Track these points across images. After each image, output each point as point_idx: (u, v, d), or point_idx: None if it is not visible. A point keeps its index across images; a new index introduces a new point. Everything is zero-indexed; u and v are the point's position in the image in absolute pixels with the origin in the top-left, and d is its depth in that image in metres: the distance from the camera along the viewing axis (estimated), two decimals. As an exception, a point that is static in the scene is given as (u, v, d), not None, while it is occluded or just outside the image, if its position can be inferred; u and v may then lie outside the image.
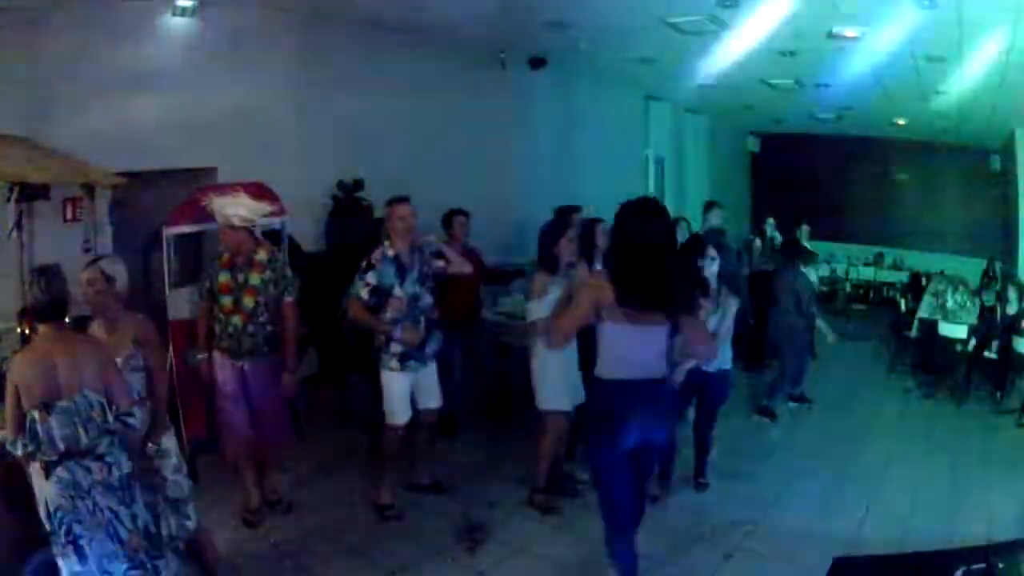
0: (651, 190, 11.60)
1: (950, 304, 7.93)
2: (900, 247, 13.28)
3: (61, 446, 2.72)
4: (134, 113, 5.06)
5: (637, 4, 6.03)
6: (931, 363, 7.50)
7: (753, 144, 15.57)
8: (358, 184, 6.23)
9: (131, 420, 2.86)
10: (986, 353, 7.27)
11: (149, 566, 2.90)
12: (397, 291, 4.24)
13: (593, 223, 4.93)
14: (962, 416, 6.57)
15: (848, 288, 12.71)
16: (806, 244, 8.00)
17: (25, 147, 4.24)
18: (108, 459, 2.81)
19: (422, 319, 4.31)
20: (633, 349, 3.11)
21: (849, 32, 6.31)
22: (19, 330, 4.02)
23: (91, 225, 4.81)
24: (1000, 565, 2.17)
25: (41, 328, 2.88)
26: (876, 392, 7.33)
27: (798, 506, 4.65)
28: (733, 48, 7.18)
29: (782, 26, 6.31)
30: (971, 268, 10.06)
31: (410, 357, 4.28)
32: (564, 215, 5.60)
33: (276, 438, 4.37)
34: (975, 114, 9.49)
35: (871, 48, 6.77)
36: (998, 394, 6.83)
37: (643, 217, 3.11)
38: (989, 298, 7.80)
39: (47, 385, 2.74)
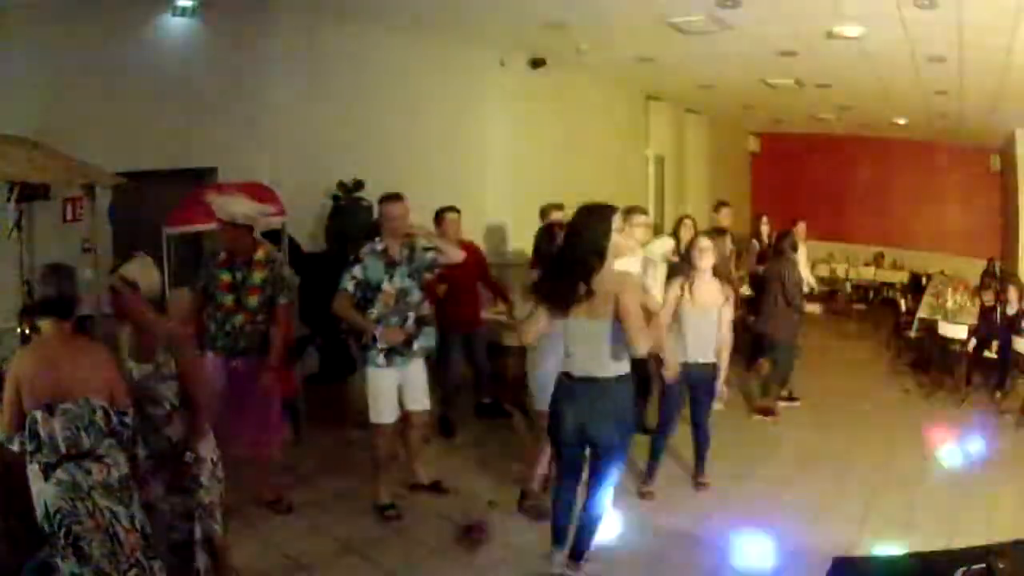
0: (651, 190, 11.62)
1: (950, 304, 7.94)
2: (900, 247, 13.29)
3: (62, 448, 2.72)
4: (134, 113, 5.06)
5: (637, 4, 6.02)
6: (931, 363, 7.50)
7: (753, 144, 15.58)
8: (358, 184, 6.23)
9: (127, 419, 2.84)
10: (986, 353, 7.27)
11: (146, 566, 2.89)
12: (386, 286, 4.20)
13: None
14: (962, 416, 6.57)
15: (848, 288, 12.71)
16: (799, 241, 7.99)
17: (25, 147, 4.24)
18: (107, 460, 2.80)
19: (410, 315, 4.29)
20: (568, 346, 3.42)
21: (849, 32, 6.30)
22: (19, 330, 4.02)
23: (91, 225, 4.81)
24: (1000, 565, 2.16)
25: (44, 324, 2.86)
26: (876, 392, 7.33)
27: (798, 506, 4.65)
28: (733, 48, 7.19)
29: (782, 26, 6.31)
30: (971, 268, 10.07)
31: (397, 354, 4.25)
32: (544, 213, 5.62)
33: (269, 437, 4.32)
34: (975, 114, 9.49)
35: (871, 48, 6.77)
36: (998, 394, 6.83)
37: (577, 223, 3.43)
38: (989, 298, 7.80)
39: (51, 385, 2.72)
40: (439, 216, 5.58)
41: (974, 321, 7.46)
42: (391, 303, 4.22)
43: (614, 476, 3.58)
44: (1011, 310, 7.22)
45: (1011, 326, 7.06)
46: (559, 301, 3.37)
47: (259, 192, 5.35)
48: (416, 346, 4.35)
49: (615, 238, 3.40)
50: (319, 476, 4.92)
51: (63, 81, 4.74)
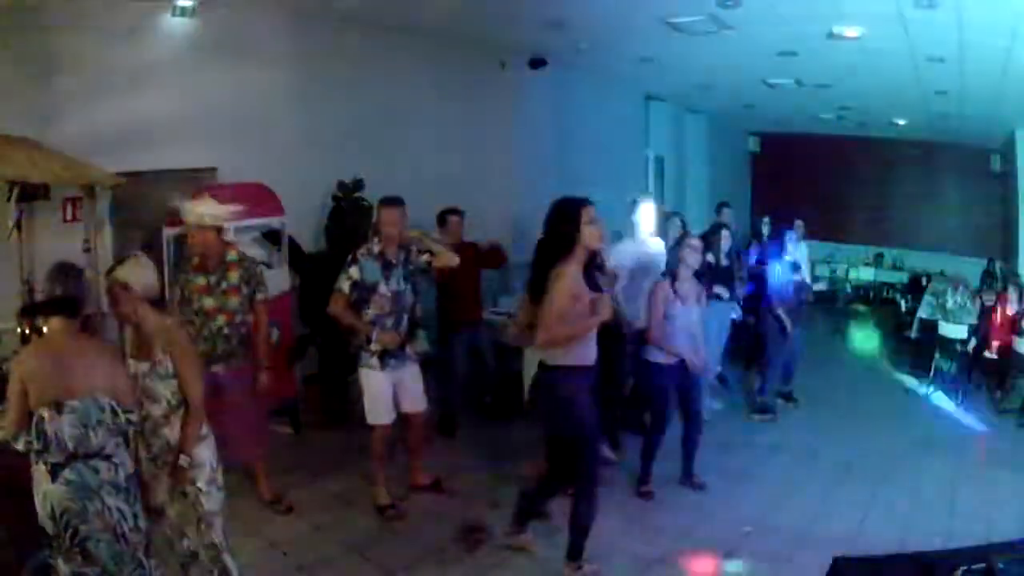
0: (651, 190, 11.61)
1: (950, 304, 7.93)
2: (900, 247, 13.28)
3: (70, 446, 2.71)
4: (134, 113, 5.06)
5: (637, 4, 6.02)
6: (931, 363, 7.50)
7: (753, 144, 15.58)
8: (358, 184, 6.23)
9: (132, 417, 2.84)
10: (986, 353, 7.27)
11: (146, 565, 2.89)
12: (382, 288, 4.22)
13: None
14: (962, 416, 6.57)
15: (848, 288, 12.71)
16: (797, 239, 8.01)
17: (25, 147, 4.24)
18: (115, 459, 2.80)
19: (404, 318, 4.30)
20: None
21: (849, 32, 6.30)
22: (19, 330, 4.02)
23: (91, 225, 4.81)
24: (1000, 565, 2.16)
25: (51, 323, 2.86)
26: (876, 392, 7.33)
27: (798, 506, 4.65)
28: (733, 48, 7.19)
29: (782, 26, 6.31)
30: (971, 268, 10.07)
31: (391, 356, 4.26)
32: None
33: (256, 439, 4.32)
34: (975, 114, 9.48)
35: (871, 48, 6.77)
36: (998, 394, 6.83)
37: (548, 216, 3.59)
38: (989, 298, 7.80)
39: (58, 383, 2.71)
40: (442, 217, 5.61)
41: (974, 321, 7.46)
42: (386, 305, 4.23)
43: (588, 472, 3.65)
44: (1011, 310, 7.22)
45: (1011, 326, 7.06)
46: (531, 293, 3.60)
47: (259, 192, 5.37)
48: (409, 349, 4.36)
49: (589, 232, 3.47)
50: (319, 476, 4.92)
51: (63, 81, 4.74)
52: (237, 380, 4.10)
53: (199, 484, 3.07)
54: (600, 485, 3.77)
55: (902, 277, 12.21)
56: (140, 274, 2.99)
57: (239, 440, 4.05)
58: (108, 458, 2.78)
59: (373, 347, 4.23)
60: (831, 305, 11.63)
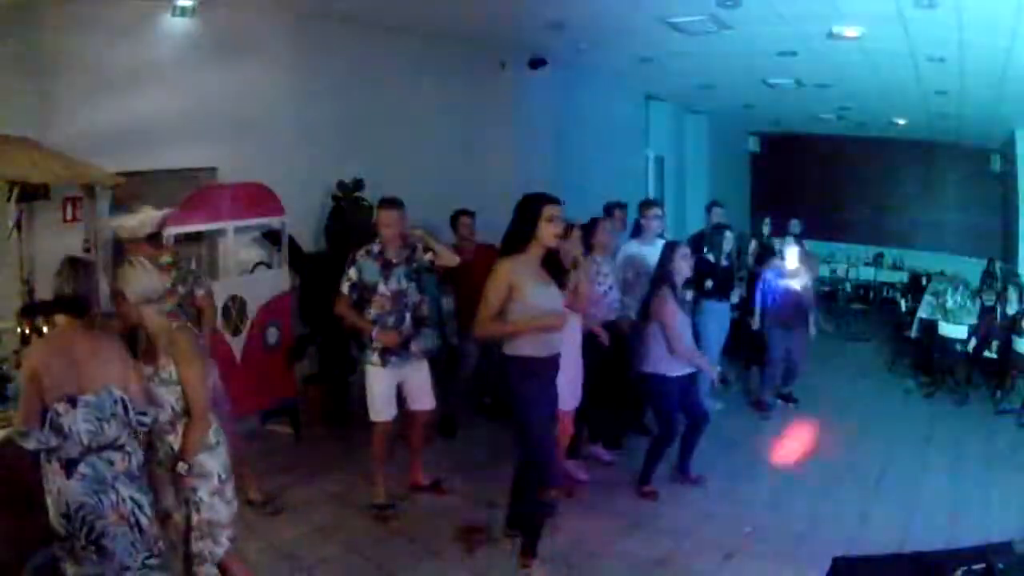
0: (651, 190, 11.62)
1: (950, 304, 7.93)
2: (900, 247, 13.28)
3: (84, 440, 2.71)
4: (134, 113, 5.06)
5: (637, 4, 6.02)
6: (931, 363, 7.50)
7: (753, 144, 15.58)
8: (358, 184, 6.23)
9: (144, 419, 2.83)
10: (986, 353, 7.27)
11: (161, 555, 2.89)
12: (381, 288, 4.26)
13: (595, 220, 5.03)
14: (962, 416, 6.57)
15: (848, 288, 12.70)
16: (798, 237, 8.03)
17: (25, 147, 4.23)
18: (128, 448, 2.80)
19: (407, 316, 4.32)
20: None
21: (849, 32, 6.30)
22: (19, 330, 4.02)
23: (91, 225, 4.81)
24: (1000, 565, 2.16)
25: (57, 319, 2.86)
26: (876, 392, 7.33)
27: (798, 506, 4.65)
28: (733, 48, 7.18)
29: (782, 26, 6.31)
30: (971, 268, 10.07)
31: (393, 354, 4.28)
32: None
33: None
34: (975, 114, 9.48)
35: (871, 48, 6.77)
36: (998, 394, 6.83)
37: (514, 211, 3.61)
38: (989, 298, 7.80)
39: (72, 378, 2.71)
40: (454, 218, 5.75)
41: (974, 321, 7.45)
42: (386, 305, 4.26)
43: (532, 469, 3.66)
44: (1011, 310, 7.22)
45: (1011, 326, 7.05)
46: None
47: (259, 192, 5.37)
48: (414, 347, 4.37)
49: (546, 229, 3.49)
50: (319, 476, 4.92)
51: (63, 81, 4.74)
52: None
53: (200, 494, 2.98)
54: (548, 484, 3.71)
55: (902, 277, 12.19)
56: (133, 280, 2.92)
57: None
58: (121, 448, 2.78)
59: (375, 345, 4.26)
60: (831, 305, 11.62)
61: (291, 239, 5.68)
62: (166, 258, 4.12)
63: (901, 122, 11.40)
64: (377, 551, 4.02)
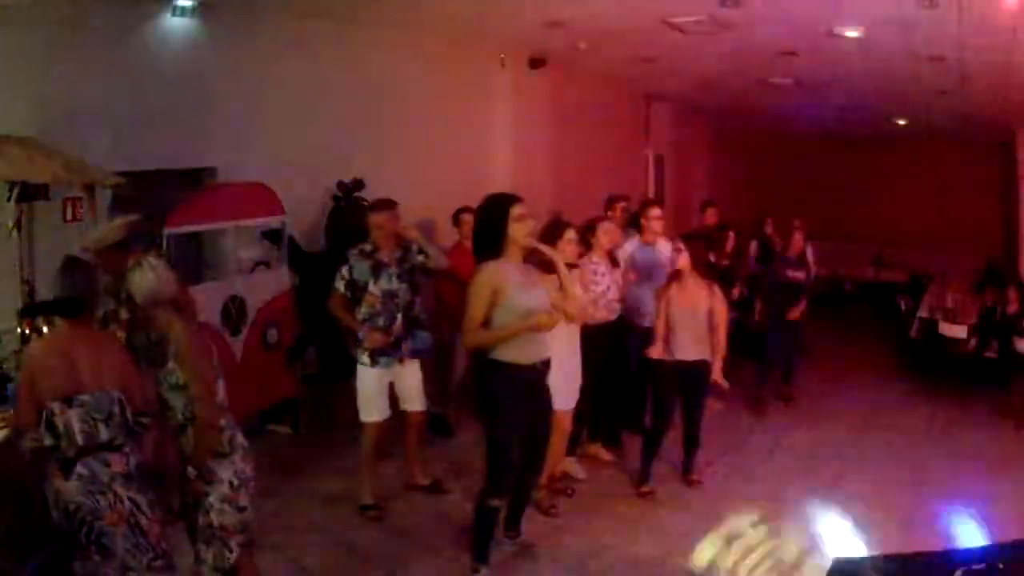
0: (651, 189, 11.62)
1: (950, 304, 7.93)
2: (900, 247, 13.27)
3: (79, 440, 2.70)
4: (134, 113, 5.06)
5: (637, 4, 6.02)
6: (931, 363, 7.50)
7: (750, 142, 15.56)
8: (358, 184, 6.23)
9: (145, 420, 2.80)
10: (986, 353, 7.27)
11: (171, 556, 2.89)
12: (371, 287, 4.27)
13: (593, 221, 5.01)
14: (962, 416, 6.57)
15: (848, 288, 12.70)
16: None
17: (25, 147, 4.23)
18: (125, 448, 2.79)
19: (399, 317, 4.31)
20: None
21: (849, 32, 6.30)
22: (19, 330, 4.02)
23: (91, 225, 4.80)
24: (1000, 565, 2.16)
25: (55, 321, 2.86)
26: (876, 392, 7.32)
27: (798, 506, 4.65)
28: (733, 48, 7.18)
29: (782, 26, 6.30)
30: (971, 268, 10.05)
31: (382, 354, 4.29)
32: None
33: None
34: (976, 114, 9.48)
35: (871, 48, 6.76)
36: (999, 394, 6.83)
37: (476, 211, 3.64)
38: (989, 298, 7.80)
39: (68, 378, 2.70)
40: (456, 216, 5.75)
41: (974, 321, 7.45)
42: (376, 305, 4.27)
43: (491, 478, 3.59)
44: (1011, 310, 7.22)
45: (1011, 326, 7.05)
46: None
47: (259, 192, 5.37)
48: (405, 348, 4.36)
49: (517, 229, 3.43)
50: (319, 476, 4.92)
51: (63, 81, 4.73)
52: None
53: (211, 499, 2.95)
54: (502, 496, 3.64)
55: (902, 277, 12.19)
56: (141, 282, 2.92)
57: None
58: (119, 448, 2.77)
59: (365, 345, 4.28)
60: (831, 305, 11.62)
61: (291, 239, 5.68)
62: (130, 263, 4.11)
63: (901, 122, 11.40)
64: (376, 551, 4.02)
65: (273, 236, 5.59)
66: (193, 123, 5.46)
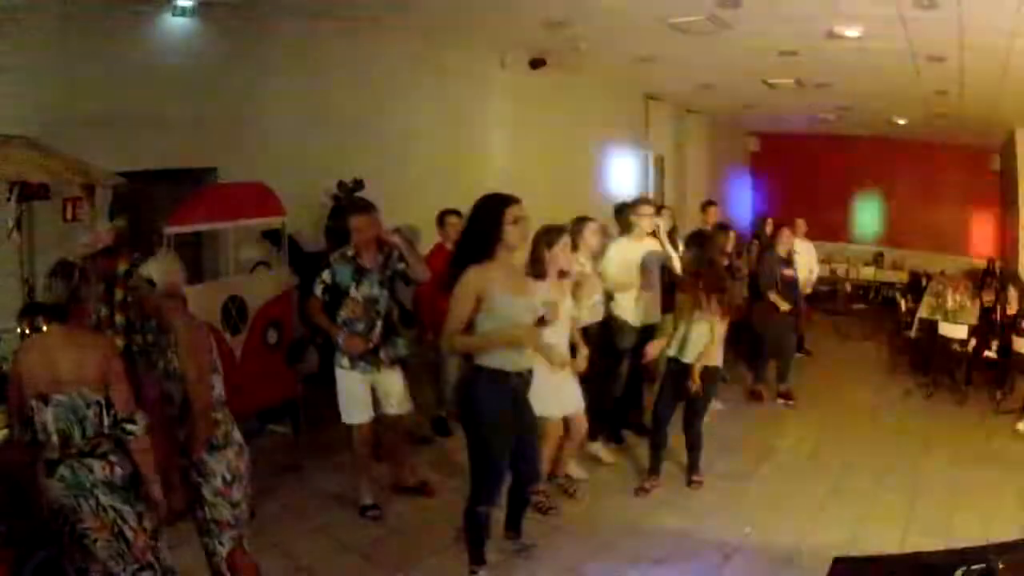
0: (651, 189, 11.62)
1: (950, 304, 7.93)
2: (900, 247, 13.28)
3: (54, 439, 2.71)
4: (134, 113, 5.06)
5: (637, 4, 6.02)
6: (931, 363, 7.50)
7: (753, 144, 15.59)
8: (358, 184, 6.23)
9: (130, 427, 2.77)
10: (986, 353, 7.27)
11: (158, 568, 2.86)
12: (353, 292, 4.25)
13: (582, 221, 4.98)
14: (962, 416, 6.57)
15: (848, 288, 12.71)
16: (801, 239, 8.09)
17: (25, 147, 4.23)
18: (112, 457, 2.78)
19: (379, 323, 4.30)
20: None
21: (849, 32, 6.30)
22: (19, 330, 4.01)
23: (91, 225, 4.80)
24: (1000, 565, 2.16)
25: (47, 325, 2.88)
26: (876, 392, 7.32)
27: (798, 506, 4.65)
28: (733, 48, 7.18)
29: (782, 26, 6.30)
30: (971, 268, 10.06)
31: (360, 359, 4.28)
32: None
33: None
34: (975, 114, 9.48)
35: (871, 48, 6.76)
36: (998, 394, 6.83)
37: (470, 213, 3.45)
38: (989, 298, 7.80)
39: (47, 377, 2.73)
40: (441, 218, 5.62)
41: (974, 321, 7.45)
42: (357, 310, 4.26)
43: (476, 486, 3.56)
44: (1011, 310, 7.22)
45: (1011, 326, 7.05)
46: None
47: (259, 192, 5.37)
48: (383, 354, 4.35)
49: (510, 232, 3.30)
50: (319, 476, 4.92)
51: (63, 81, 4.74)
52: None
53: (204, 491, 3.00)
54: (489, 504, 3.60)
55: (902, 277, 12.21)
56: (163, 270, 3.04)
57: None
58: (103, 456, 2.76)
59: (344, 350, 4.28)
60: (831, 305, 11.62)
61: (291, 239, 5.67)
62: (122, 268, 4.12)
63: (901, 122, 11.40)
64: (376, 551, 4.02)
65: (273, 236, 5.59)
66: (193, 123, 5.46)
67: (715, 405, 6.02)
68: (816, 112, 11.27)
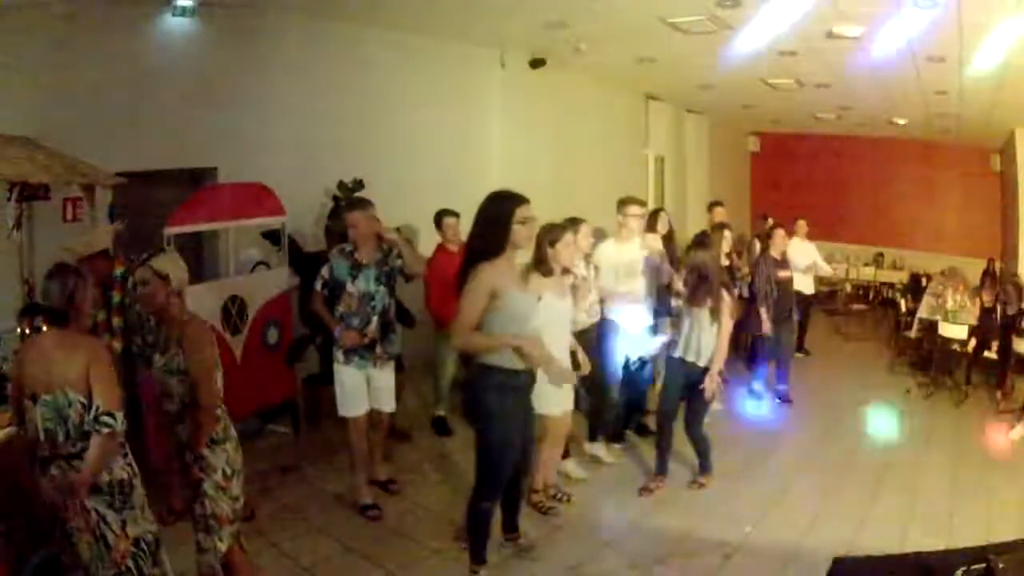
0: (651, 190, 11.61)
1: (950, 304, 7.94)
2: (900, 247, 13.28)
3: (42, 437, 2.74)
4: (134, 113, 5.06)
5: (637, 4, 6.02)
6: (931, 363, 7.51)
7: (753, 144, 15.59)
8: (358, 184, 6.23)
9: (108, 420, 2.71)
10: (986, 353, 7.27)
11: (137, 575, 2.84)
12: (349, 287, 4.29)
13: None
14: (962, 416, 6.57)
15: (848, 288, 12.72)
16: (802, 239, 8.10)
17: (25, 147, 4.23)
18: None
19: (375, 319, 4.32)
20: None
21: (849, 32, 6.30)
22: (19, 330, 4.02)
23: (91, 225, 4.80)
24: (1000, 565, 2.16)
25: (47, 326, 2.91)
26: (876, 392, 7.33)
27: (798, 506, 4.65)
28: (733, 48, 7.18)
29: (782, 26, 6.30)
30: (971, 268, 10.06)
31: (355, 354, 4.31)
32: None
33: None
34: (975, 114, 9.48)
35: (871, 48, 6.77)
36: (998, 394, 6.83)
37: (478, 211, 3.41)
38: (989, 298, 7.80)
39: (38, 377, 2.76)
40: (438, 219, 5.63)
41: (974, 321, 7.45)
42: (353, 304, 4.29)
43: (481, 481, 3.54)
44: (1011, 310, 7.22)
45: (1011, 326, 7.05)
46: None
47: (259, 192, 5.37)
48: (379, 350, 4.37)
49: (518, 231, 3.31)
50: (318, 476, 4.92)
51: (63, 81, 4.73)
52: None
53: (205, 486, 3.03)
54: (493, 500, 3.61)
55: (902, 277, 12.21)
56: (176, 266, 3.12)
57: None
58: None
59: (339, 343, 4.32)
60: (831, 305, 11.63)
61: (291, 239, 5.68)
62: (119, 271, 4.13)
63: (901, 122, 11.40)
64: (377, 550, 4.02)
65: (273, 236, 5.60)
66: (193, 123, 5.46)
67: (715, 405, 6.03)
68: (816, 112, 11.27)
